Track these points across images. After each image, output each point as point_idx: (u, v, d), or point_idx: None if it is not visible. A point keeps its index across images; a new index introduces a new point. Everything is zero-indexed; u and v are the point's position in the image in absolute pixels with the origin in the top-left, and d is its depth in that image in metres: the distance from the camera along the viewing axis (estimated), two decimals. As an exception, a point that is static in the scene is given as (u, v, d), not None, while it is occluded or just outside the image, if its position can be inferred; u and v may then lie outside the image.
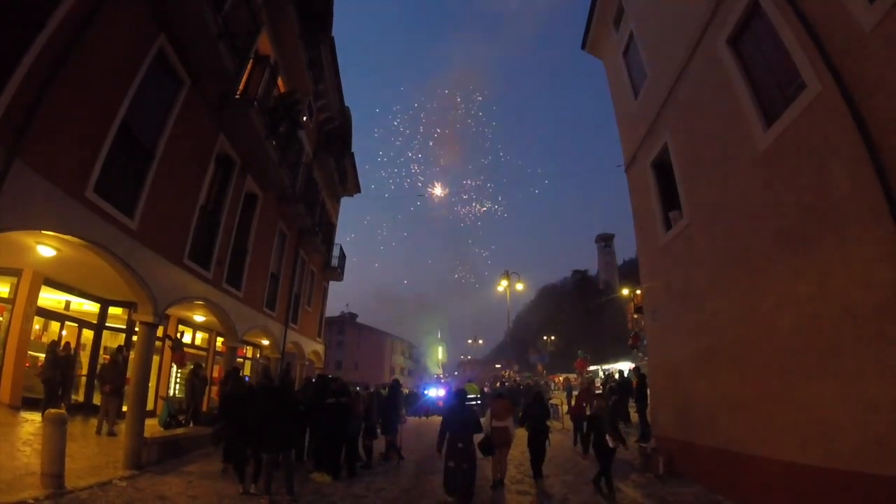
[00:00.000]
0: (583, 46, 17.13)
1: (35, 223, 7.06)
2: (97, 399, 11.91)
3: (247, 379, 11.37)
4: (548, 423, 10.95)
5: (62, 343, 12.84)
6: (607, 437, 9.09)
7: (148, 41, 9.12)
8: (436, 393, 33.59)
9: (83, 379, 14.13)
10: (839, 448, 5.84)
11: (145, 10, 8.93)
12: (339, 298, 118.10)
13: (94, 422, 11.57)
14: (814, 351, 6.35)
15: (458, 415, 8.74)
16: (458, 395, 9.47)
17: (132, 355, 13.98)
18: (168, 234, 10.49)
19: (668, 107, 11.05)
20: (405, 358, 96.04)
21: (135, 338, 14.13)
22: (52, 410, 7.81)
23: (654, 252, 12.32)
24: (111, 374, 12.12)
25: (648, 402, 13.71)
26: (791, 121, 6.82)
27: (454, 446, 8.26)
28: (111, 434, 11.34)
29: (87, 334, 14.62)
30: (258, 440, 8.43)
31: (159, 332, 11.80)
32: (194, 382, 13.84)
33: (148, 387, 10.81)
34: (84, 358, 14.38)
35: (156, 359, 12.87)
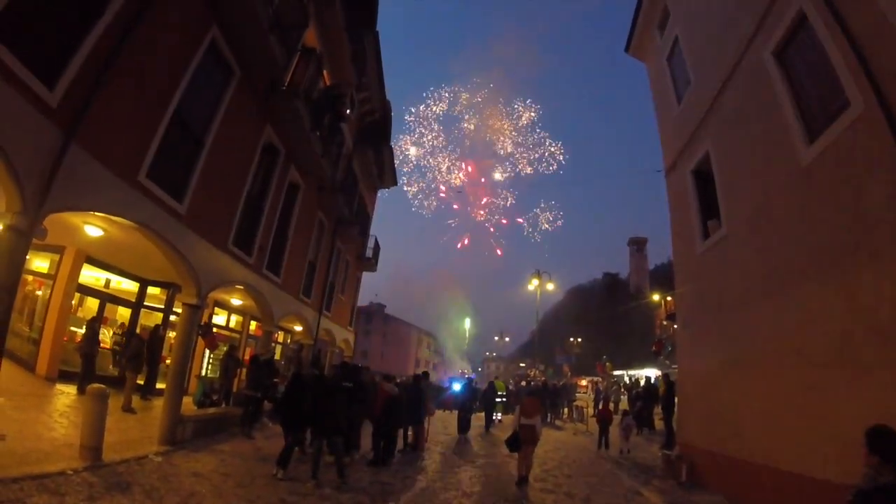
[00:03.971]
0: (626, 49, 17.06)
1: (89, 204, 7.39)
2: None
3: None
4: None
5: (101, 319, 13.28)
6: None
7: (201, 32, 9.39)
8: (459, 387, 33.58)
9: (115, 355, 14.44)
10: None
11: (199, 2, 9.21)
12: (368, 289, 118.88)
13: (121, 396, 11.54)
14: (840, 368, 6.36)
15: (466, 391, 19.27)
16: (468, 382, 22.35)
17: (171, 334, 14.43)
18: (215, 220, 10.82)
19: (711, 115, 10.97)
20: (430, 351, 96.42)
21: (173, 318, 14.61)
22: (95, 385, 7.98)
23: (689, 260, 12.27)
24: (131, 347, 12.20)
25: (675, 409, 13.67)
26: (833, 138, 6.78)
27: (463, 405, 17.30)
28: (128, 409, 11.31)
29: (124, 312, 15.04)
30: (311, 425, 8.82)
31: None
32: (228, 363, 14.19)
33: (188, 366, 11.13)
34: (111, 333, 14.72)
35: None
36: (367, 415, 11.42)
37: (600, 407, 16.98)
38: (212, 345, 15.04)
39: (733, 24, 9.84)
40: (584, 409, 22.64)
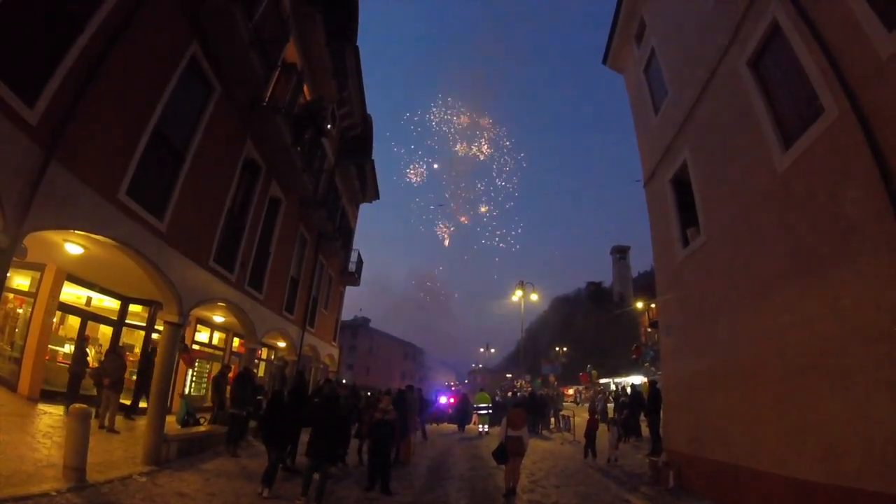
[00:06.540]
0: (604, 61, 17.25)
1: (69, 223, 7.27)
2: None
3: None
4: None
5: (85, 337, 13.08)
6: None
7: (181, 48, 9.35)
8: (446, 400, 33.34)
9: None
10: (845, 466, 5.91)
11: (179, 18, 9.18)
12: (352, 303, 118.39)
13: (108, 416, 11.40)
14: (823, 371, 6.44)
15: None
16: (464, 397, 26.05)
17: (150, 349, 14.22)
18: (195, 237, 10.72)
19: (688, 124, 11.14)
20: (416, 364, 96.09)
21: (155, 336, 14.43)
22: (78, 405, 7.90)
23: (670, 267, 12.38)
24: (112, 367, 11.90)
25: (661, 416, 13.72)
26: (809, 144, 6.90)
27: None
28: (111, 430, 11.12)
29: (106, 330, 14.76)
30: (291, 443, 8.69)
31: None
32: (220, 381, 14.06)
33: (170, 385, 11.00)
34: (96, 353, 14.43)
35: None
36: (361, 435, 11.31)
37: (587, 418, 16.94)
38: (189, 362, 14.85)
39: (708, 34, 10.02)
40: (571, 419, 22.63)
